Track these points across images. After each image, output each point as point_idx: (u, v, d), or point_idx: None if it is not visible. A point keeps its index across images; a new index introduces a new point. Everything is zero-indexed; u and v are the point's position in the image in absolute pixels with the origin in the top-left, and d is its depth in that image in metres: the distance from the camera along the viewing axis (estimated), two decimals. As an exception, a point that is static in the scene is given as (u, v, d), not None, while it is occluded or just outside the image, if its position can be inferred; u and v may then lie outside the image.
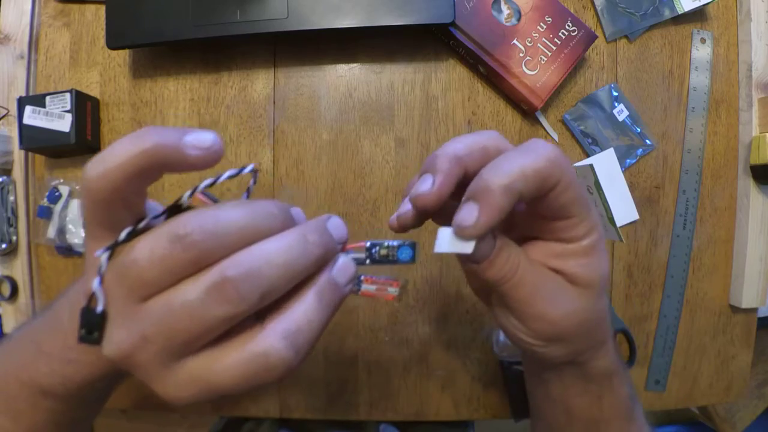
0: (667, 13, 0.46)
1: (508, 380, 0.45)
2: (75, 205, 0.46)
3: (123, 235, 0.19)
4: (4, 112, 0.46)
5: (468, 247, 0.21)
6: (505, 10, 0.43)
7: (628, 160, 0.46)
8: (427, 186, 0.22)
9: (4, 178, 0.46)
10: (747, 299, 0.46)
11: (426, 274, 0.46)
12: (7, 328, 0.48)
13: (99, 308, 0.19)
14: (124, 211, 0.19)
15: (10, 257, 0.47)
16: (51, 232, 0.46)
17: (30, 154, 0.47)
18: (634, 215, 0.46)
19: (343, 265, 0.21)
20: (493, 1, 0.43)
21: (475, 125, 0.46)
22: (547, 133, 0.46)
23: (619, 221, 0.46)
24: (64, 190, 0.46)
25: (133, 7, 0.41)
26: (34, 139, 0.43)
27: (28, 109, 0.43)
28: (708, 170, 0.47)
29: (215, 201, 0.21)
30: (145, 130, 0.18)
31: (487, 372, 0.46)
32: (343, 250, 0.22)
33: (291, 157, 0.46)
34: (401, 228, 0.24)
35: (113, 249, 0.19)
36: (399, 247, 0.23)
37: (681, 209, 0.46)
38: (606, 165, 0.46)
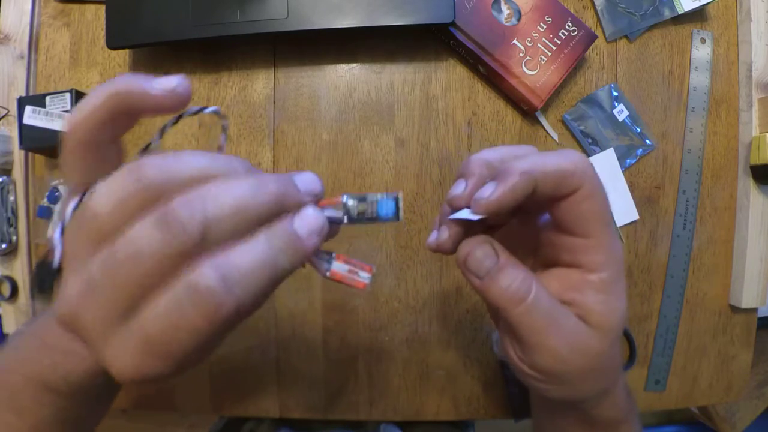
0: (667, 13, 0.46)
1: (508, 380, 0.45)
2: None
3: (93, 188, 0.18)
4: (4, 112, 0.46)
5: (472, 217, 0.22)
6: (505, 10, 0.43)
7: (628, 160, 0.46)
8: (460, 189, 0.23)
9: (4, 178, 0.46)
10: (747, 299, 0.46)
11: (426, 274, 0.46)
12: (7, 328, 0.47)
13: (55, 262, 0.19)
14: (102, 165, 0.20)
15: (10, 257, 0.47)
16: (51, 232, 0.46)
17: (30, 154, 0.47)
18: (634, 215, 0.46)
19: (308, 215, 0.19)
20: (493, 1, 0.43)
21: (475, 125, 0.46)
22: (547, 133, 0.46)
23: (619, 221, 0.46)
24: (64, 190, 0.46)
25: (133, 7, 0.41)
26: (34, 139, 0.43)
27: (28, 109, 0.43)
28: (708, 170, 0.47)
29: None
30: (116, 78, 0.19)
31: (487, 372, 0.46)
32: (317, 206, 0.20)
33: (291, 157, 0.46)
34: (443, 248, 0.25)
35: (79, 202, 0.19)
36: (379, 201, 0.19)
37: (681, 209, 0.46)
38: (606, 165, 0.46)
